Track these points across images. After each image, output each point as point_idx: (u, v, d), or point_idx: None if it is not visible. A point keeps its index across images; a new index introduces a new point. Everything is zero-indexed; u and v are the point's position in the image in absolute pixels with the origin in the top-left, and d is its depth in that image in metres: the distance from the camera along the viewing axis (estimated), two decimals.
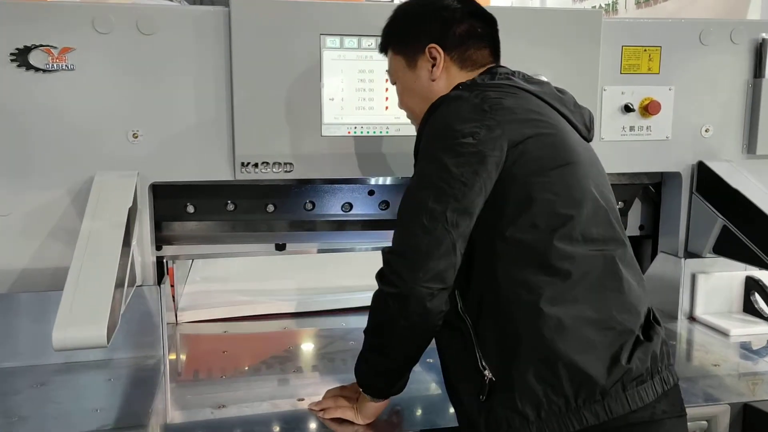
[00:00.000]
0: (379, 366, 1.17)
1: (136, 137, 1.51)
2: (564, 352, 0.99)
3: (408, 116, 1.34)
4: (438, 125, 1.09)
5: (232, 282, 1.98)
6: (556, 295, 1.02)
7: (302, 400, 1.33)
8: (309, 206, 1.77)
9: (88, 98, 1.48)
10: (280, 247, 1.81)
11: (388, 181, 1.75)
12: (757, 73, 1.79)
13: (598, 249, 1.06)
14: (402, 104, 1.32)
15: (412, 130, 1.60)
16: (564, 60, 1.65)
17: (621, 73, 1.74)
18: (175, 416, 1.29)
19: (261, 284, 1.95)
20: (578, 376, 0.99)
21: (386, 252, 1.08)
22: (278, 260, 1.98)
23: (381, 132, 1.61)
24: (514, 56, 1.57)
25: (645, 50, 1.74)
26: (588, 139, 1.23)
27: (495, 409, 1.03)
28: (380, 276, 1.08)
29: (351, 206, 1.79)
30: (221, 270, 2.13)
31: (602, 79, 1.71)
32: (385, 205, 1.80)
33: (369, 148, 1.61)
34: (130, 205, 1.39)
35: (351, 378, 1.29)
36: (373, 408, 1.23)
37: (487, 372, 1.04)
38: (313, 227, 1.79)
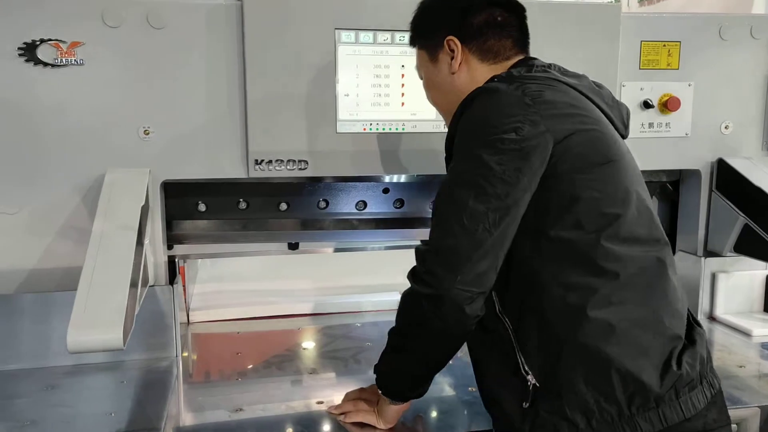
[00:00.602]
0: (403, 369, 1.14)
1: (147, 134, 1.48)
2: (616, 358, 0.95)
3: (438, 112, 1.30)
4: (476, 119, 1.04)
5: (244, 282, 1.95)
6: (604, 298, 0.98)
7: (321, 402, 1.30)
8: (322, 205, 1.73)
9: (98, 94, 1.44)
10: (293, 246, 1.77)
11: (403, 179, 1.72)
12: None
13: (644, 250, 1.03)
14: (429, 99, 1.28)
15: (429, 127, 1.59)
16: (582, 55, 1.61)
17: (640, 68, 1.70)
18: (190, 419, 1.26)
19: (274, 284, 1.91)
20: (631, 382, 0.96)
21: (422, 250, 1.02)
22: (291, 259, 1.94)
23: (397, 129, 1.57)
24: (531, 51, 1.56)
25: (664, 45, 1.71)
26: (624, 136, 1.18)
27: (541, 416, 0.99)
28: (413, 274, 1.03)
29: (365, 204, 1.75)
30: (231, 269, 2.10)
31: (621, 74, 1.68)
32: (399, 203, 1.77)
33: (385, 145, 1.57)
34: (143, 203, 1.35)
35: (368, 379, 1.27)
36: (394, 411, 1.19)
37: (530, 377, 1.00)
38: (327, 226, 1.76)
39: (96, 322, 1.06)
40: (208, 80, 1.48)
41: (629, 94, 1.70)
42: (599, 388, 0.96)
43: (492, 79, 1.11)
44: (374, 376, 1.19)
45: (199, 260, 2.10)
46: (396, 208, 1.77)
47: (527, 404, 1.00)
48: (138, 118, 1.47)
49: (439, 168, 1.61)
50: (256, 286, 1.90)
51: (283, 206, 1.71)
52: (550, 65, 1.15)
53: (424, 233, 1.83)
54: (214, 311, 1.80)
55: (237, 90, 1.49)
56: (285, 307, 1.78)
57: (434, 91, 1.24)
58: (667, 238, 1.09)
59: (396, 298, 1.84)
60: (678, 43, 1.71)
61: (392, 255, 1.85)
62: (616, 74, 1.66)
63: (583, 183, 1.01)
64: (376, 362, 1.18)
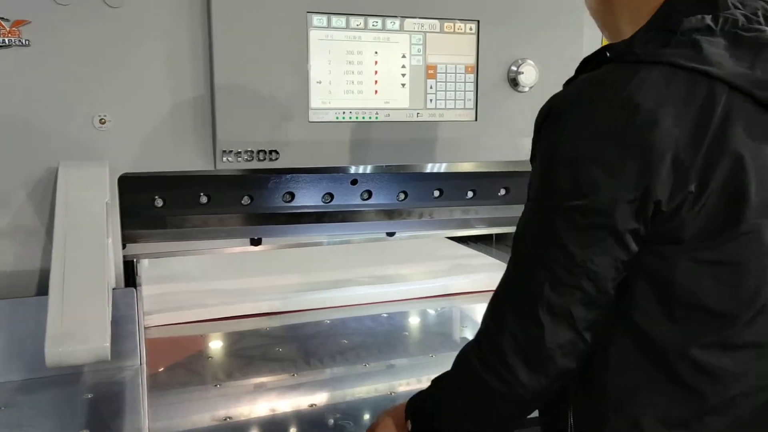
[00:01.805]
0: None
1: (104, 123, 1.35)
2: None
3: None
4: (553, 159, 0.80)
5: (201, 281, 1.83)
6: (676, 416, 0.80)
7: (313, 405, 1.24)
8: (287, 198, 1.65)
9: (46, 79, 1.30)
10: (256, 242, 1.68)
11: (369, 169, 1.67)
12: None
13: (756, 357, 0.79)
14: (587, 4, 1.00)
15: (402, 116, 1.54)
16: (546, 44, 1.62)
17: None
18: (174, 428, 1.17)
19: (234, 282, 1.81)
20: None
21: (498, 338, 0.85)
22: (251, 255, 1.85)
23: (370, 117, 1.52)
24: (496, 39, 1.55)
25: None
26: None
27: None
28: (487, 365, 0.86)
29: (332, 197, 1.69)
30: (180, 268, 1.97)
31: None
32: (367, 194, 1.72)
33: (358, 134, 1.51)
34: (107, 198, 1.23)
35: (351, 377, 1.19)
36: None
37: None
38: (292, 220, 1.68)
39: (78, 332, 0.95)
40: (171, 65, 1.37)
41: None
42: None
43: (602, 53, 0.85)
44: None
45: (145, 260, 1.96)
46: (364, 199, 1.72)
47: None
48: (93, 105, 1.33)
49: (414, 158, 1.59)
50: (215, 285, 1.79)
51: (246, 200, 1.62)
52: (719, 18, 0.79)
53: (392, 225, 1.80)
54: (171, 314, 1.68)
55: (203, 76, 1.39)
56: (249, 306, 1.69)
57: None
58: None
59: (362, 292, 1.80)
60: None
61: (359, 248, 1.80)
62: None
63: (687, 265, 0.79)
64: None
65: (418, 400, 1.04)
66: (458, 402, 0.95)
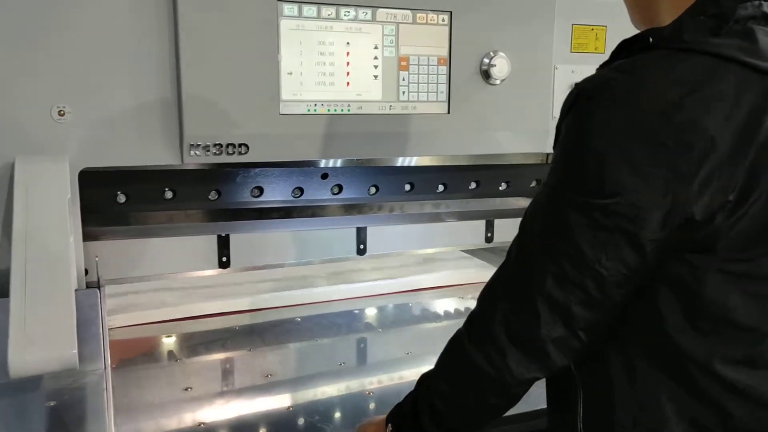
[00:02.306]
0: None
1: (63, 115, 1.27)
2: None
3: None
4: (578, 149, 0.75)
5: (164, 279, 1.76)
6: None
7: (290, 408, 1.20)
8: (256, 192, 1.60)
9: (3, 67, 1.22)
10: (224, 265, 1.62)
11: (339, 163, 1.63)
12: None
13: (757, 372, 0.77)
14: None
15: (374, 109, 1.51)
16: (519, 36, 1.61)
17: (571, 51, 1.74)
18: None
19: (196, 280, 1.75)
20: None
21: (492, 320, 0.83)
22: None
23: (342, 110, 1.48)
24: (469, 30, 1.53)
25: (592, 29, 1.76)
26: None
27: None
28: (478, 345, 0.84)
29: (302, 191, 1.65)
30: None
31: (555, 57, 1.70)
32: (338, 188, 1.68)
33: (330, 127, 1.47)
34: (69, 195, 1.17)
35: (328, 375, 1.16)
36: None
37: None
38: (261, 215, 1.63)
39: (43, 339, 0.89)
40: (135, 54, 1.30)
41: (562, 77, 1.73)
42: None
43: (640, 41, 0.76)
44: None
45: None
46: (334, 194, 1.68)
47: None
48: (51, 96, 1.26)
49: (386, 151, 1.56)
50: (175, 283, 1.73)
51: (214, 195, 1.57)
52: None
53: (363, 220, 1.77)
54: (134, 314, 1.61)
55: (168, 66, 1.33)
56: (216, 305, 1.63)
57: None
58: None
59: (330, 289, 1.77)
60: (604, 27, 1.76)
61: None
62: (551, 57, 1.68)
63: (716, 279, 0.76)
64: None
65: (398, 404, 1.01)
66: (443, 387, 0.91)
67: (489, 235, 1.95)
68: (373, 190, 1.72)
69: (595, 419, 0.86)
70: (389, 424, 1.00)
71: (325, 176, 1.65)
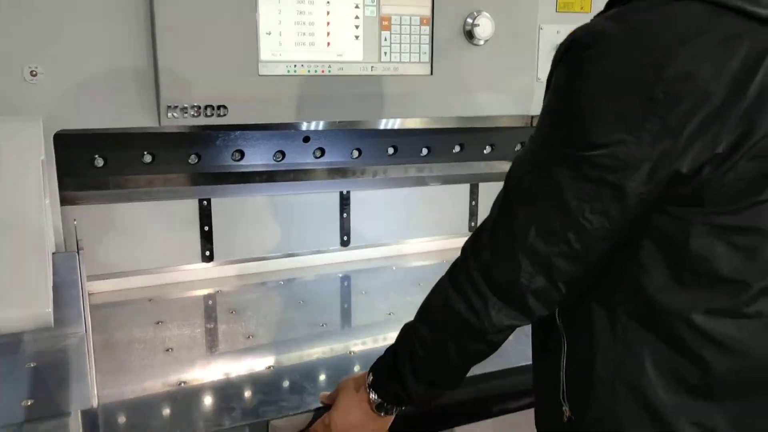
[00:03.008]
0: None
1: (35, 75, 1.25)
2: None
3: None
4: (567, 100, 0.74)
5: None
6: (672, 385, 0.78)
7: (270, 367, 1.20)
8: (237, 156, 1.59)
9: None
10: (207, 259, 1.62)
11: (321, 126, 1.61)
12: None
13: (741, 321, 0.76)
14: None
15: (355, 70, 1.49)
16: None
17: (557, 11, 1.71)
18: (128, 396, 1.12)
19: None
20: None
21: (474, 268, 0.84)
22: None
23: (323, 71, 1.46)
24: None
25: None
26: None
27: None
28: (460, 291, 0.86)
29: (283, 155, 1.63)
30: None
31: (540, 17, 1.68)
32: (320, 152, 1.66)
33: (310, 88, 1.45)
34: (43, 156, 1.15)
35: (312, 337, 1.17)
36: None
37: (566, 409, 0.88)
38: (241, 179, 1.62)
39: (16, 297, 0.88)
40: (109, 11, 1.27)
41: (547, 38, 1.70)
42: None
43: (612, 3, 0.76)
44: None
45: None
46: (316, 157, 1.67)
47: None
48: (22, 56, 1.23)
49: (368, 113, 1.54)
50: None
51: (194, 159, 1.55)
52: None
53: (346, 184, 1.76)
54: (116, 281, 1.60)
55: (143, 24, 1.30)
56: (197, 271, 1.63)
57: None
58: None
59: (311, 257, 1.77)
60: None
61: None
62: (536, 16, 1.65)
63: (718, 231, 0.75)
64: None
65: (380, 356, 1.02)
66: (424, 334, 0.92)
67: (473, 224, 1.94)
68: (356, 153, 1.70)
69: (577, 372, 0.87)
70: (370, 374, 1.01)
71: (306, 139, 1.64)
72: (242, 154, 1.59)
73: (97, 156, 1.46)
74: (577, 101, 0.73)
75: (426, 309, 0.95)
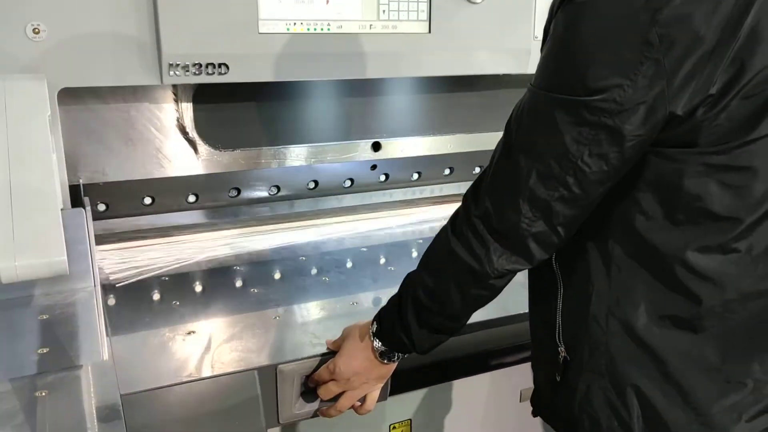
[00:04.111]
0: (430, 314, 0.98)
1: (38, 33, 1.26)
2: (658, 396, 0.84)
3: None
4: (565, 47, 0.76)
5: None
6: (666, 322, 0.82)
7: (277, 318, 1.24)
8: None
9: None
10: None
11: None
12: None
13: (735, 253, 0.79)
14: None
15: (354, 28, 1.50)
16: None
17: None
18: (140, 344, 1.17)
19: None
20: (654, 417, 0.85)
21: (474, 215, 0.87)
22: None
23: (322, 29, 1.47)
24: None
25: None
26: None
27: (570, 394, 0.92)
28: (461, 238, 0.88)
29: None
30: None
31: None
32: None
33: (310, 46, 1.47)
34: (49, 112, 1.16)
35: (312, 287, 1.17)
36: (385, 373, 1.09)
37: (561, 349, 0.92)
38: None
39: (32, 247, 0.91)
40: None
41: None
42: (616, 410, 0.87)
43: None
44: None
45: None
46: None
47: (559, 377, 0.93)
48: (24, 13, 1.24)
49: (366, 71, 1.56)
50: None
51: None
52: None
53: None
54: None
55: None
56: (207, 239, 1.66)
57: None
58: None
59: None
60: None
61: None
62: None
63: (709, 170, 0.78)
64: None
65: (383, 306, 1.06)
66: (427, 281, 0.96)
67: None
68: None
69: (572, 313, 0.91)
70: (374, 323, 1.04)
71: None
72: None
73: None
74: (574, 48, 0.75)
75: (428, 257, 0.99)
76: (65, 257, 0.90)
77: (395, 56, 1.54)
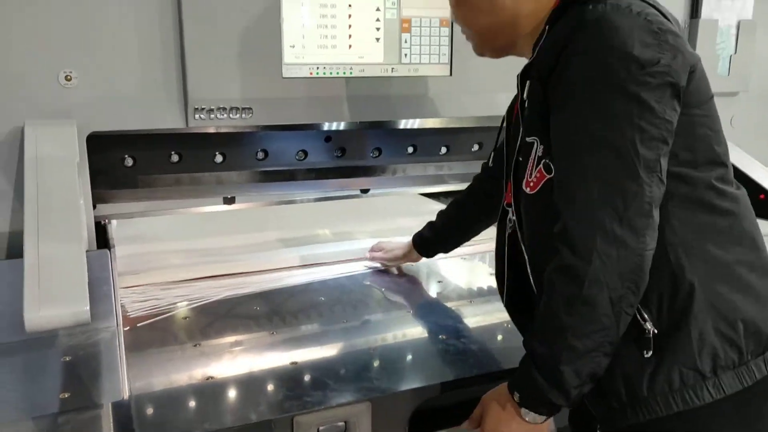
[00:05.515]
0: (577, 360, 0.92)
1: (70, 80, 1.30)
2: (740, 305, 0.93)
3: (468, 36, 1.14)
4: (612, 50, 0.87)
5: (173, 241, 1.80)
6: (723, 239, 0.95)
7: (295, 363, 1.25)
8: (261, 156, 1.63)
9: (10, 33, 1.25)
10: (229, 201, 1.66)
11: (342, 126, 1.65)
12: (693, 13, 1.86)
13: (738, 188, 1.00)
14: (457, 17, 1.12)
15: (376, 71, 1.52)
16: None
17: None
18: (159, 387, 1.17)
19: (206, 242, 1.79)
20: (751, 327, 0.93)
21: (589, 219, 0.87)
22: (223, 215, 1.82)
23: (344, 73, 1.50)
24: None
25: None
26: None
27: (664, 366, 0.92)
28: (580, 256, 0.87)
29: (306, 154, 1.67)
30: (144, 230, 1.93)
31: None
32: (341, 152, 1.70)
33: (332, 90, 1.49)
34: (78, 159, 1.20)
35: (329, 333, 1.19)
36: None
37: (648, 324, 0.92)
38: (266, 178, 1.66)
39: (56, 296, 0.93)
40: (139, 18, 1.32)
41: None
42: (726, 335, 0.93)
43: (586, 4, 0.93)
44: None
45: (114, 221, 1.92)
46: (337, 157, 1.70)
47: (649, 353, 0.92)
48: (59, 62, 1.29)
49: (389, 114, 1.58)
50: (187, 245, 1.77)
51: (219, 159, 1.60)
52: None
53: (366, 182, 1.79)
54: (144, 275, 1.65)
55: (172, 29, 1.35)
56: (224, 266, 1.67)
57: (470, 9, 1.07)
58: None
59: (335, 249, 1.81)
60: None
61: (330, 205, 1.80)
62: None
63: (699, 119, 0.95)
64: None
65: (516, 372, 0.99)
66: (563, 321, 0.90)
67: None
68: (376, 153, 1.74)
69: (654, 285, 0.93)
70: (515, 393, 0.98)
71: (328, 139, 1.67)
72: (266, 154, 1.63)
73: (126, 156, 1.50)
74: (619, 44, 0.87)
75: (555, 310, 0.91)
76: (88, 307, 0.92)
77: (417, 99, 1.56)
